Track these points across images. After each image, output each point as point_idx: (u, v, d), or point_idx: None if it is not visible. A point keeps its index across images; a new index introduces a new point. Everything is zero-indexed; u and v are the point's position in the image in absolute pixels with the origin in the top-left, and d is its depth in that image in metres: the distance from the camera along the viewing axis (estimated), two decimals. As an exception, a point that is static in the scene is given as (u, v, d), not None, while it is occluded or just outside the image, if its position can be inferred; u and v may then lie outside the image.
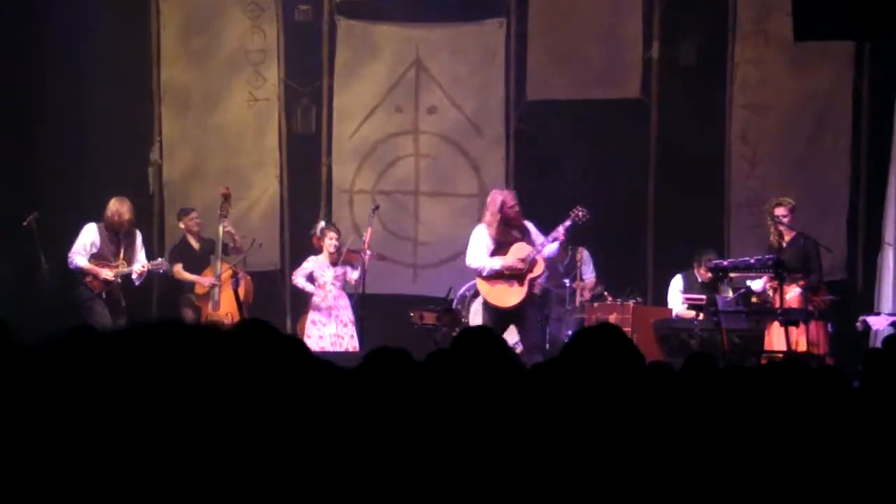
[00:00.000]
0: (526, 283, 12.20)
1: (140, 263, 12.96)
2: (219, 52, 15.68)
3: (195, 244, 13.86)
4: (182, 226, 13.96)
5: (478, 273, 12.29)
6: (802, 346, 12.10)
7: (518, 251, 12.22)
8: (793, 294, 12.38)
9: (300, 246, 15.19)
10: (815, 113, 14.85)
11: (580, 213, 12.47)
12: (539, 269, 12.28)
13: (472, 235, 12.46)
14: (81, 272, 12.75)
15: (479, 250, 12.27)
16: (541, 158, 15.38)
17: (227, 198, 13.60)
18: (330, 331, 13.49)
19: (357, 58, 15.69)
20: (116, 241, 12.92)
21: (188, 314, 13.50)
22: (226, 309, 13.39)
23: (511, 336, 12.17)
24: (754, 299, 12.63)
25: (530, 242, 12.27)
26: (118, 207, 12.92)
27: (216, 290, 13.55)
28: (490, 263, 12.14)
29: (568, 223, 12.40)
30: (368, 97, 15.74)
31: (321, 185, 15.78)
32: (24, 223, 12.99)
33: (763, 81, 14.95)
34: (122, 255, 12.92)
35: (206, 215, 14.02)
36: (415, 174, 15.73)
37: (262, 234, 14.92)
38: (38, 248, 13.08)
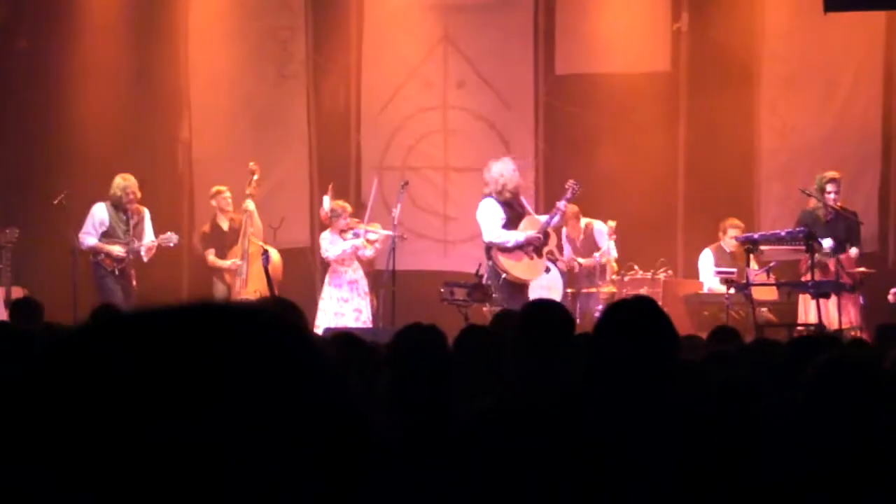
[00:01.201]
0: (544, 255, 12.22)
1: (149, 239, 13.09)
2: (247, 28, 15.67)
3: (225, 223, 13.91)
4: (214, 203, 14.00)
5: (500, 247, 12.25)
6: (835, 319, 12.12)
7: (530, 223, 12.23)
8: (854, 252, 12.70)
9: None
10: (845, 84, 14.77)
11: (575, 187, 12.51)
12: (553, 241, 12.30)
13: (480, 210, 12.42)
14: (93, 251, 12.87)
15: (495, 224, 12.22)
16: (570, 133, 15.35)
17: (253, 173, 13.64)
18: (353, 305, 13.49)
19: (385, 33, 15.67)
20: (125, 218, 13.03)
21: (220, 289, 13.64)
22: (254, 286, 13.44)
23: None
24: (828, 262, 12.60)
25: (530, 214, 12.33)
26: (124, 184, 13.05)
27: (244, 267, 13.61)
28: (514, 236, 12.12)
29: (569, 196, 12.45)
30: (397, 73, 15.73)
31: (350, 162, 15.79)
32: (55, 201, 13.08)
33: (793, 53, 14.86)
34: (131, 231, 13.04)
35: (235, 193, 14.05)
36: (444, 150, 15.72)
37: (291, 211, 14.96)
38: (69, 227, 13.17)
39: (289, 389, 1.03)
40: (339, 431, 1.05)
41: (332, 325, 12.58)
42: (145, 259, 13.20)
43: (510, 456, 2.68)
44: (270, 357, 1.05)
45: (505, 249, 12.22)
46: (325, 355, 1.08)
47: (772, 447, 3.93)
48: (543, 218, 12.43)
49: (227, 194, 13.94)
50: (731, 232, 13.45)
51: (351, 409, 1.07)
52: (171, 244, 13.32)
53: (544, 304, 5.67)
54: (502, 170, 12.33)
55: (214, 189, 14.09)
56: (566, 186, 12.65)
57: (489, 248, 12.34)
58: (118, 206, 13.05)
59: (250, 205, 13.55)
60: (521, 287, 12.17)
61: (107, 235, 13.01)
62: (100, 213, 13.04)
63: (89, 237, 12.93)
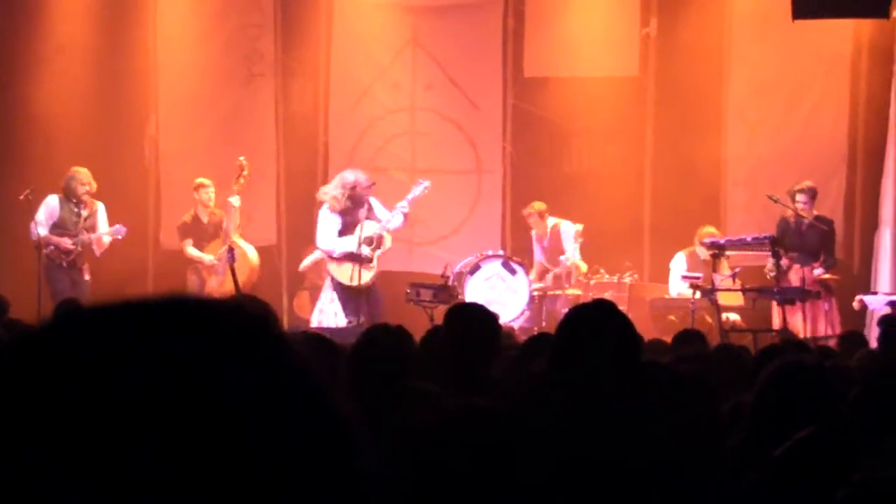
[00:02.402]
0: (375, 261, 12.40)
1: (99, 232, 13.04)
2: (216, 26, 15.62)
3: (205, 217, 13.85)
4: (196, 196, 13.90)
5: (328, 255, 12.60)
6: (820, 327, 12.29)
7: (366, 229, 12.41)
8: (818, 272, 12.66)
9: (297, 222, 15.19)
10: (812, 91, 14.82)
11: (423, 185, 12.85)
12: (387, 243, 12.51)
13: (320, 216, 12.75)
14: (42, 242, 12.79)
15: (328, 232, 12.56)
16: (537, 135, 15.36)
17: (242, 168, 13.59)
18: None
19: (354, 34, 15.65)
20: (76, 210, 12.97)
21: (192, 281, 13.59)
22: (230, 286, 13.41)
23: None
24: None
25: (375, 218, 12.44)
26: (74, 175, 12.99)
27: (220, 265, 13.57)
28: (340, 246, 12.42)
29: (411, 196, 12.64)
30: (365, 74, 15.71)
31: (318, 162, 15.77)
32: (21, 197, 13.00)
33: (761, 59, 14.91)
34: (81, 223, 12.98)
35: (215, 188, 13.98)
36: (412, 151, 15.71)
37: (258, 210, 14.93)
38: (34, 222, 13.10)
39: (268, 388, 1.01)
40: (324, 433, 1.03)
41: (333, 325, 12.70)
42: (97, 253, 13.12)
43: (462, 465, 2.68)
44: (244, 351, 1.03)
45: (332, 256, 12.57)
46: (302, 354, 1.06)
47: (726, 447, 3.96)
48: (385, 216, 12.65)
49: (211, 189, 13.87)
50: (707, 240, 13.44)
51: (334, 409, 1.05)
52: (120, 236, 13.22)
53: (466, 307, 5.76)
54: (356, 178, 12.55)
55: (197, 181, 14.00)
56: (413, 186, 12.93)
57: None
58: (70, 197, 12.99)
59: (236, 201, 13.47)
60: (347, 289, 12.46)
61: (57, 227, 12.94)
62: (51, 204, 12.99)
63: (39, 227, 12.84)
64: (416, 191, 12.87)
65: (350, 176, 12.66)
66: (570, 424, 3.57)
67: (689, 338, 7.56)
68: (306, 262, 14.47)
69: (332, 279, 12.69)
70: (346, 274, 12.53)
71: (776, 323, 12.51)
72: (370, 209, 12.60)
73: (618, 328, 3.81)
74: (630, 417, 3.63)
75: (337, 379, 4.64)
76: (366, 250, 12.51)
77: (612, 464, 3.45)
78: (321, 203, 12.87)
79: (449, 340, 5.40)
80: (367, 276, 12.53)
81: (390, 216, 12.67)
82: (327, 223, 12.60)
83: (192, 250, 13.74)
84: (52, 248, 12.87)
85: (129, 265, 14.09)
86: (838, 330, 12.33)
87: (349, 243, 12.46)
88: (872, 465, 3.39)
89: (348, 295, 12.52)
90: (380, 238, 12.60)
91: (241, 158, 13.65)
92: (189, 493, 0.95)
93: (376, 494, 1.05)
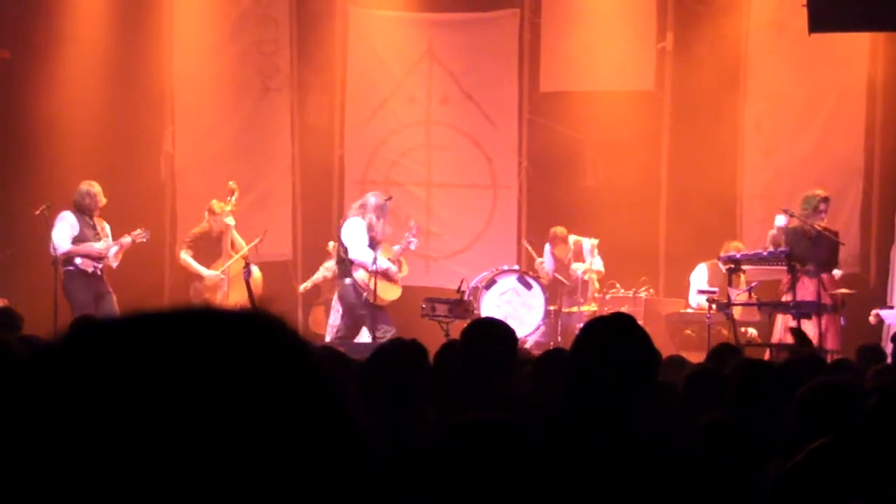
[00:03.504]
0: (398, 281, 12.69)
1: (122, 239, 12.94)
2: (231, 41, 15.66)
3: (216, 231, 13.79)
4: (207, 216, 13.78)
5: (364, 267, 12.46)
6: (833, 341, 12.22)
7: (386, 250, 12.52)
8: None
9: (312, 237, 15.21)
10: (828, 104, 14.80)
11: (412, 232, 13.01)
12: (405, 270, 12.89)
13: (350, 228, 12.59)
14: (70, 255, 12.74)
15: (362, 242, 12.48)
16: (553, 150, 15.35)
17: (232, 192, 13.56)
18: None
19: (369, 48, 15.67)
20: (91, 223, 12.96)
21: (196, 290, 13.56)
22: (235, 300, 13.37)
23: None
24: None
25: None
26: (90, 190, 12.95)
27: (225, 282, 13.53)
28: (380, 260, 12.43)
29: (397, 248, 12.88)
30: (381, 88, 15.73)
31: (333, 176, 15.78)
32: (37, 212, 13.01)
33: (777, 72, 14.89)
34: (99, 235, 12.97)
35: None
36: (427, 165, 15.71)
37: (274, 224, 14.93)
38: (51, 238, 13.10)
39: (292, 395, 1.00)
40: (339, 440, 1.02)
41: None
42: (114, 264, 13.08)
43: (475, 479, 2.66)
44: (265, 361, 1.02)
45: (367, 268, 12.46)
46: (321, 362, 1.06)
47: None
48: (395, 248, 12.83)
49: (223, 210, 13.77)
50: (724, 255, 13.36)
51: (349, 417, 1.04)
52: (144, 239, 13.16)
53: (485, 322, 5.74)
54: (378, 203, 12.61)
55: (211, 204, 13.94)
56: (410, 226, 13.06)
57: (352, 263, 12.58)
58: (84, 212, 12.96)
59: (230, 220, 13.45)
60: (373, 304, 12.45)
61: (78, 240, 12.91)
62: (70, 219, 12.95)
63: (64, 242, 12.79)
64: (406, 243, 12.98)
65: (379, 199, 12.69)
66: (581, 441, 3.55)
67: (726, 352, 7.47)
68: (307, 284, 14.64)
69: (359, 294, 12.56)
70: (382, 288, 12.48)
71: (776, 336, 12.46)
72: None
73: (635, 342, 3.77)
74: (644, 434, 3.60)
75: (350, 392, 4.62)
76: (394, 267, 12.62)
77: (622, 479, 3.43)
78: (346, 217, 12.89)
79: (466, 355, 5.38)
80: (396, 290, 12.61)
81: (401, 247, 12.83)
82: (360, 234, 12.51)
83: (188, 259, 13.67)
84: (80, 259, 12.80)
85: (146, 280, 14.10)
86: (839, 346, 12.29)
87: (383, 260, 12.49)
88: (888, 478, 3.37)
89: (377, 309, 12.47)
90: (398, 261, 12.77)
91: (231, 182, 13.62)
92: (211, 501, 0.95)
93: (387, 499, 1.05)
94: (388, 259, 12.65)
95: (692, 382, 5.36)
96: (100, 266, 12.86)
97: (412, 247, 13.03)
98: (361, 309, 12.50)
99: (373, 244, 12.48)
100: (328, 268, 14.40)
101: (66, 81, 15.14)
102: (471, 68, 15.62)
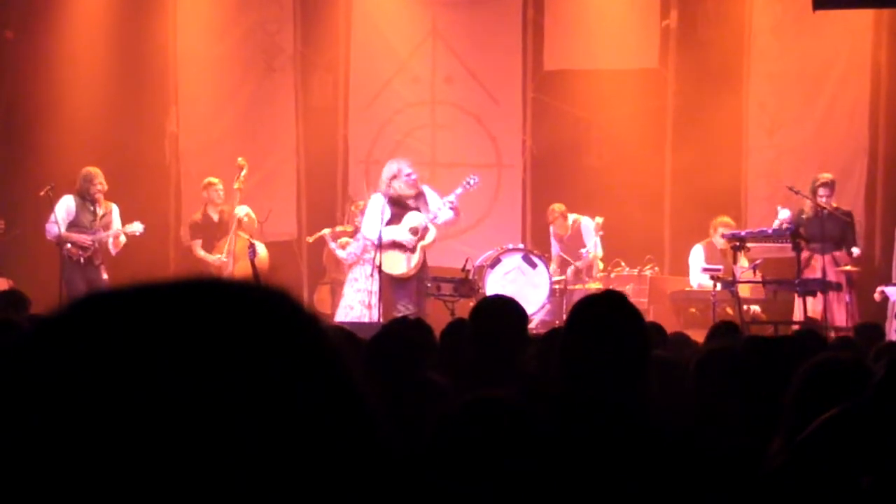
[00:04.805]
0: (417, 251, 12.31)
1: (115, 229, 12.97)
2: (235, 21, 15.64)
3: (216, 215, 13.83)
4: (205, 195, 13.89)
5: (371, 243, 12.45)
6: (840, 318, 12.23)
7: (411, 219, 12.32)
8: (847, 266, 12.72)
9: (317, 216, 15.21)
10: (832, 82, 14.77)
11: (471, 182, 12.64)
12: (430, 236, 12.40)
13: (368, 204, 12.60)
14: (59, 240, 12.77)
15: (373, 219, 12.36)
16: (557, 128, 15.33)
17: (241, 168, 13.56)
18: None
19: (373, 27, 15.65)
20: (92, 209, 12.96)
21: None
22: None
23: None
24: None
25: (425, 209, 12.36)
26: (86, 174, 12.96)
27: (229, 263, 13.55)
28: (385, 233, 12.26)
29: (459, 191, 12.52)
30: (385, 67, 15.71)
31: (338, 156, 15.78)
32: (42, 193, 13.02)
33: (781, 50, 14.87)
34: (98, 222, 12.96)
35: (224, 186, 13.98)
36: (431, 145, 15.70)
37: (278, 204, 14.92)
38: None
39: (302, 367, 1.00)
40: (348, 413, 1.02)
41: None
42: (114, 252, 13.07)
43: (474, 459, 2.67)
44: (274, 331, 1.01)
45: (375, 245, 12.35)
46: (330, 333, 1.05)
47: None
48: (437, 204, 12.54)
49: (220, 186, 13.84)
50: (722, 230, 13.41)
51: (359, 390, 1.04)
52: (137, 233, 13.15)
53: (498, 299, 5.73)
54: (398, 167, 12.40)
55: (206, 181, 14.00)
56: (462, 182, 12.77)
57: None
58: (85, 196, 12.97)
59: (240, 211, 13.45)
60: (387, 277, 12.36)
61: (74, 225, 12.91)
62: (68, 203, 12.96)
63: (53, 226, 12.82)
64: (465, 185, 12.73)
65: (393, 165, 12.57)
66: (574, 418, 3.55)
67: (724, 330, 7.50)
68: (316, 235, 14.54)
69: (378, 270, 12.50)
70: (390, 262, 12.44)
71: (798, 314, 12.46)
72: (423, 201, 12.52)
73: (626, 319, 3.76)
74: (635, 412, 3.61)
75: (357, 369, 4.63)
76: (408, 237, 12.43)
77: (614, 458, 3.43)
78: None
79: (475, 332, 5.37)
80: (406, 264, 12.49)
81: (440, 207, 12.56)
82: (373, 211, 12.47)
83: (200, 252, 13.73)
84: (69, 245, 12.84)
85: (150, 262, 14.09)
86: (857, 322, 12.28)
87: (393, 232, 12.39)
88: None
89: (397, 284, 12.44)
90: (424, 229, 12.50)
91: (240, 159, 13.62)
92: (220, 477, 0.94)
93: (397, 478, 1.05)
94: (437, 210, 12.54)
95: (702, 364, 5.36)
96: (86, 255, 12.84)
97: (472, 187, 12.83)
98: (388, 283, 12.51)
99: (403, 210, 12.42)
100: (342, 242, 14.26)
101: (69, 62, 15.14)
102: (475, 47, 15.59)
